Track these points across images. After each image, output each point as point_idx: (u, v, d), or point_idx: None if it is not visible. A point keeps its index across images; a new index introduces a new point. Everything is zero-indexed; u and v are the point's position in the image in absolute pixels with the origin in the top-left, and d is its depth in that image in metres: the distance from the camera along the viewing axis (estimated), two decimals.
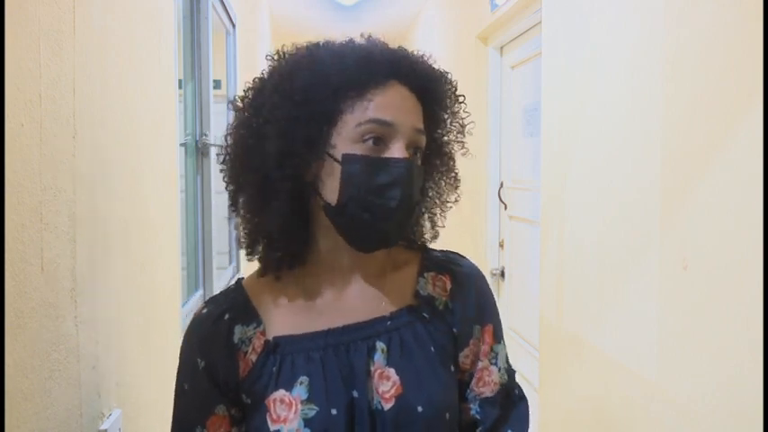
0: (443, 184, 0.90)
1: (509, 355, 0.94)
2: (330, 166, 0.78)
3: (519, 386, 0.93)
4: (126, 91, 1.19)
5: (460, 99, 0.88)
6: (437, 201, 0.91)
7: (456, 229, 3.21)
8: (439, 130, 0.88)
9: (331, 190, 0.78)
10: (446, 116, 0.88)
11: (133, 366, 1.20)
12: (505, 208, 2.79)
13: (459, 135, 0.89)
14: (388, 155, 0.77)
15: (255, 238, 0.85)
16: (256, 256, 0.86)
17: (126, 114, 1.19)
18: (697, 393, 1.17)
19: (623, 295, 1.46)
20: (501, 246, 2.86)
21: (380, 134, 0.77)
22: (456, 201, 0.92)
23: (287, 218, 0.80)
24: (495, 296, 2.99)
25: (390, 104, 0.78)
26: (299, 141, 0.77)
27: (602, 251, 1.57)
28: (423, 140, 0.82)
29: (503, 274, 2.82)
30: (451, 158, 0.90)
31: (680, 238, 1.23)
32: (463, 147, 0.91)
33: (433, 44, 4.20)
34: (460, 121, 0.89)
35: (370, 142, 0.77)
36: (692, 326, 1.19)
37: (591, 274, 1.63)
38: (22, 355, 0.76)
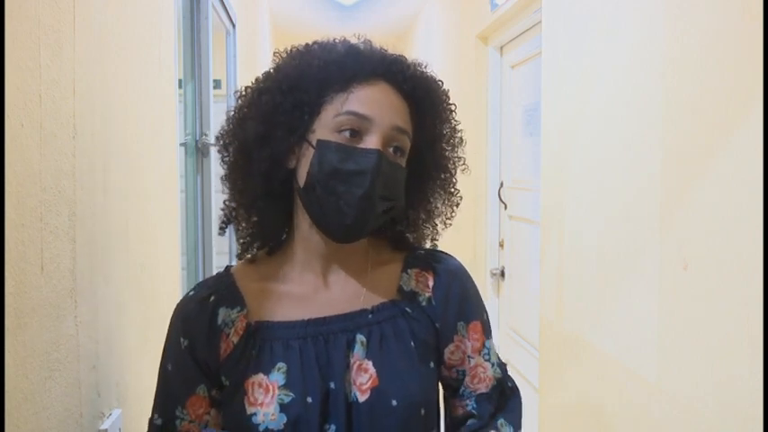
0: (440, 197, 0.91)
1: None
2: (307, 151, 0.81)
3: (511, 379, 0.95)
4: (126, 91, 1.19)
5: (452, 108, 0.89)
6: (433, 213, 0.92)
7: (456, 229, 3.20)
8: (438, 144, 0.89)
9: (303, 173, 0.81)
10: (444, 128, 0.89)
11: (133, 366, 1.20)
12: (505, 208, 2.79)
13: (457, 149, 0.91)
14: (362, 146, 0.79)
15: (233, 215, 0.89)
16: (237, 237, 0.90)
17: (126, 114, 1.19)
18: (697, 393, 1.17)
19: (623, 295, 1.46)
20: (501, 246, 2.86)
21: (357, 127, 0.79)
22: (452, 215, 0.93)
23: (260, 200, 0.84)
24: (495, 296, 3.00)
25: (370, 99, 0.80)
26: (280, 127, 0.81)
27: (602, 251, 1.57)
28: (405, 140, 0.83)
29: (503, 274, 2.82)
30: (449, 172, 0.91)
31: (680, 238, 1.23)
32: (464, 163, 0.92)
33: (432, 44, 4.20)
34: (459, 135, 0.90)
35: (347, 134, 0.79)
36: (692, 326, 1.19)
37: (591, 274, 1.63)
38: (22, 354, 0.76)
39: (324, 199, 0.79)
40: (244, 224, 0.88)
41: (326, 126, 0.80)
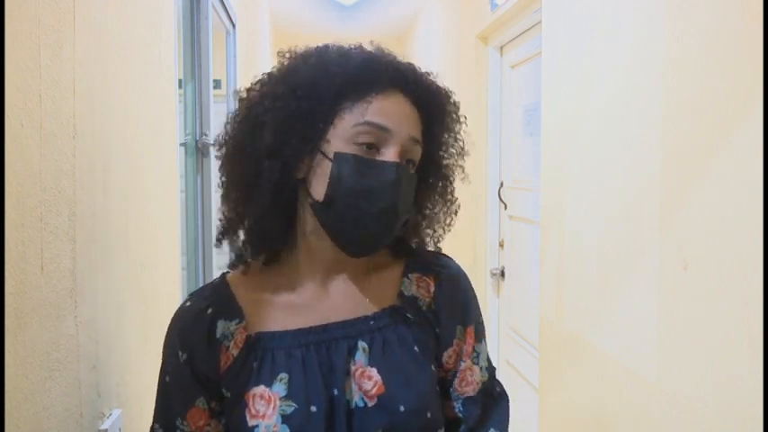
0: (440, 206, 0.91)
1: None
2: (321, 163, 0.79)
3: (500, 383, 0.95)
4: (126, 91, 1.19)
5: (462, 120, 0.89)
6: (433, 219, 0.91)
7: (456, 229, 3.21)
8: (439, 152, 0.88)
9: (319, 187, 0.79)
10: (447, 136, 0.88)
11: (133, 366, 1.20)
12: (505, 208, 2.79)
13: (458, 158, 0.90)
14: (381, 159, 0.78)
15: (232, 226, 0.86)
16: (233, 247, 0.88)
17: (126, 114, 1.19)
18: (697, 393, 1.17)
19: (623, 295, 1.46)
20: (501, 246, 2.86)
21: (375, 138, 0.78)
22: (452, 223, 0.92)
23: (266, 211, 0.81)
24: (495, 296, 3.00)
25: (389, 110, 0.79)
26: (295, 135, 0.78)
27: (602, 251, 1.57)
28: (417, 151, 0.82)
29: (503, 274, 2.82)
30: (449, 181, 0.90)
31: (680, 238, 1.23)
32: (463, 171, 0.91)
33: (432, 44, 4.20)
34: (461, 144, 0.89)
35: (364, 147, 0.78)
36: (692, 326, 1.19)
37: (591, 274, 1.63)
38: (22, 354, 0.76)
39: (345, 215, 0.78)
40: (243, 233, 0.86)
41: (342, 136, 0.78)
